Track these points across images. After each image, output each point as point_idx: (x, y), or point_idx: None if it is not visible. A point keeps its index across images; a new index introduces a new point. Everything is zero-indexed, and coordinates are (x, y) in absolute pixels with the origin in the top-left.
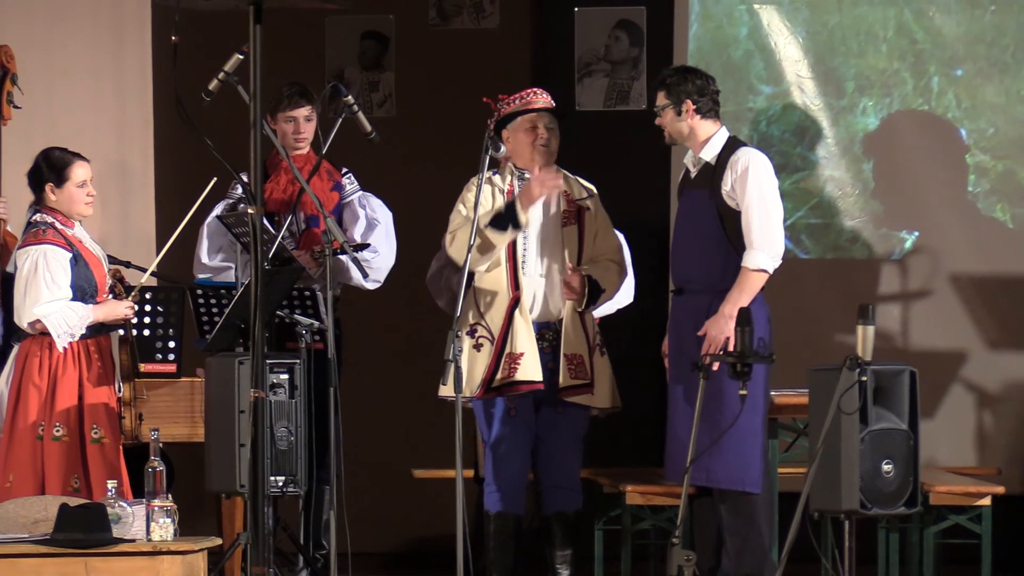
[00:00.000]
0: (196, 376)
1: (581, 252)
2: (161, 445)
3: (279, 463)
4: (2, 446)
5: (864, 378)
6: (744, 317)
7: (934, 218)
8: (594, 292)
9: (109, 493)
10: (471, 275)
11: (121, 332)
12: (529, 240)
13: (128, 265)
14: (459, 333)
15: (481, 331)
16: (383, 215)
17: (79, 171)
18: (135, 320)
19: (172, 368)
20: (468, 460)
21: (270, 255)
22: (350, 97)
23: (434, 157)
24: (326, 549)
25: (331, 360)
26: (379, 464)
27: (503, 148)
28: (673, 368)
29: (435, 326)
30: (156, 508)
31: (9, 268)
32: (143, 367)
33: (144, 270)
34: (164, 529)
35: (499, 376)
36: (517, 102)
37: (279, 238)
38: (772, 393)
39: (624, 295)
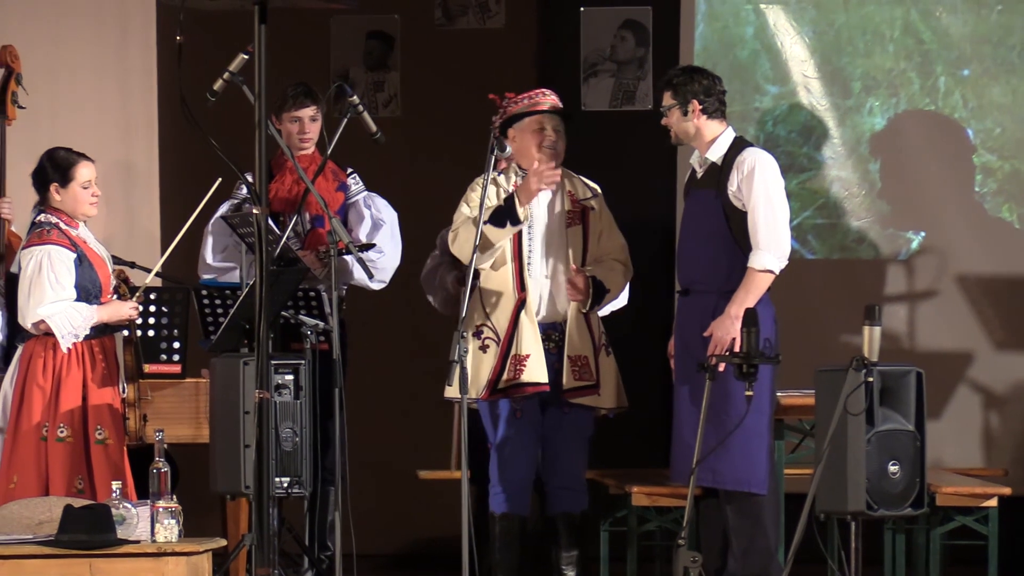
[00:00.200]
0: (201, 377)
1: (586, 252)
2: (166, 446)
3: (284, 464)
4: (6, 447)
5: (870, 379)
6: (750, 318)
7: (941, 218)
8: (599, 293)
9: (113, 494)
10: (476, 275)
11: (125, 333)
12: (534, 241)
13: (132, 266)
14: (464, 334)
15: (487, 332)
16: (388, 215)
17: (84, 171)
18: (139, 321)
19: (177, 369)
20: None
21: (275, 256)
22: (355, 97)
23: (439, 157)
24: (331, 550)
25: (336, 361)
26: (384, 465)
27: (509, 148)
28: (679, 369)
29: (440, 327)
30: (160, 509)
31: (13, 268)
32: (147, 368)
33: (149, 270)
34: (169, 530)
35: (505, 378)
36: (525, 102)
37: (284, 238)
38: (778, 394)
39: (619, 298)
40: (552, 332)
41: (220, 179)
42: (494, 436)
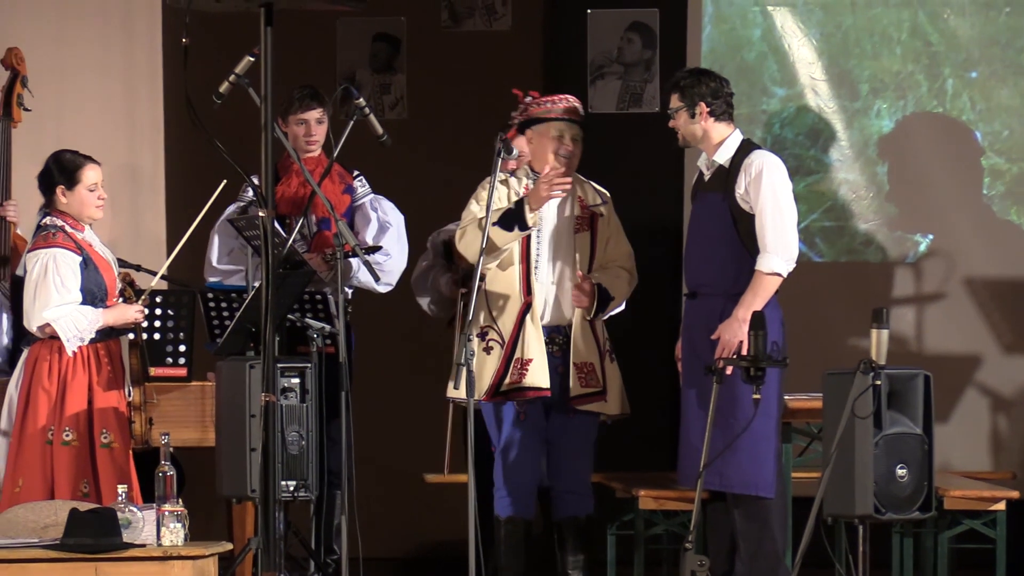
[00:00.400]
0: (207, 380)
1: (593, 258)
2: (171, 449)
3: (290, 467)
4: (11, 451)
5: (878, 382)
6: (758, 321)
7: (949, 221)
8: (603, 300)
9: (119, 498)
10: (482, 277)
11: (131, 336)
12: (541, 245)
13: (138, 268)
14: (470, 336)
15: (492, 334)
16: (395, 218)
17: (90, 174)
18: (145, 324)
19: (183, 372)
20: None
21: (281, 258)
22: (362, 99)
23: (446, 159)
24: (337, 554)
25: (342, 364)
26: (391, 468)
27: (515, 151)
28: (686, 372)
29: (447, 330)
30: (166, 513)
31: (19, 271)
32: (153, 371)
33: (154, 273)
34: (175, 534)
35: (508, 380)
36: (548, 105)
37: (290, 241)
38: (786, 397)
39: None
40: (556, 336)
41: (225, 181)
42: (497, 439)
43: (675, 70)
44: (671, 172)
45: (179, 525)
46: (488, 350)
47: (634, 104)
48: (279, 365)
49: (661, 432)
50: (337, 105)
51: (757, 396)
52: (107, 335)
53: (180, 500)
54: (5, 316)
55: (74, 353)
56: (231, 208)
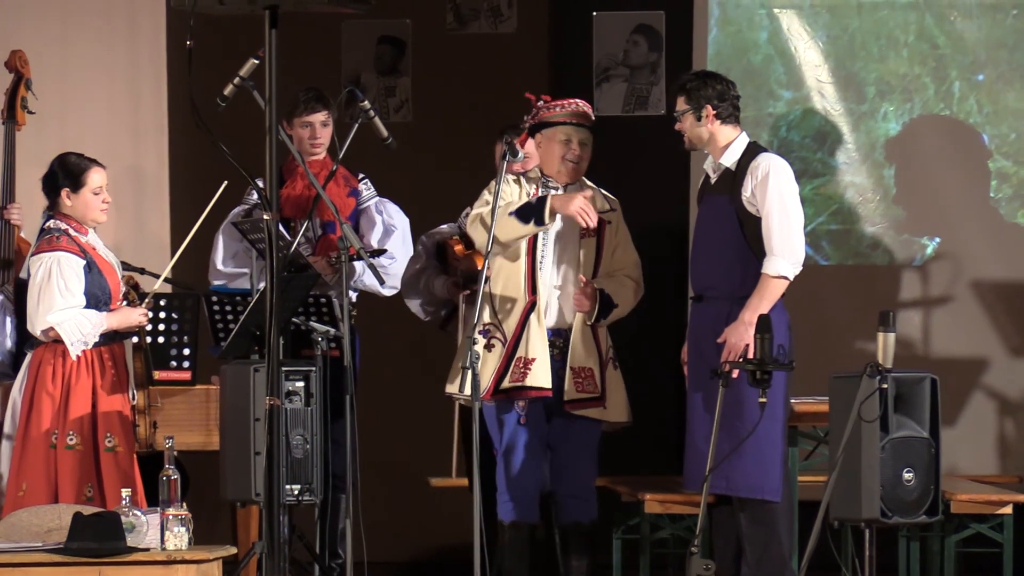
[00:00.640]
0: (211, 384)
1: (598, 265)
2: (175, 453)
3: (294, 471)
4: (15, 454)
5: (885, 385)
6: (764, 324)
7: (956, 224)
8: (606, 306)
9: (123, 502)
10: (487, 279)
11: (135, 339)
12: (547, 248)
13: (142, 272)
14: (474, 339)
15: (495, 332)
16: (400, 221)
17: (95, 177)
18: (149, 327)
19: (187, 376)
20: (463, 467)
21: (286, 262)
22: (367, 102)
23: (451, 163)
24: (342, 558)
25: (347, 367)
26: (396, 472)
27: (521, 154)
28: (692, 375)
29: (440, 331)
30: (170, 517)
31: (22, 275)
32: (157, 375)
33: (158, 276)
34: (179, 538)
35: (509, 380)
36: (558, 110)
37: (295, 244)
38: (792, 401)
39: None
40: (557, 339)
41: (226, 183)
42: (499, 442)
43: (681, 73)
44: (677, 175)
45: (183, 529)
46: (490, 347)
47: (640, 107)
48: (283, 368)
49: (667, 436)
50: (342, 108)
51: (763, 399)
52: (111, 339)
53: (184, 504)
54: (9, 319)
55: (78, 357)
56: (236, 211)
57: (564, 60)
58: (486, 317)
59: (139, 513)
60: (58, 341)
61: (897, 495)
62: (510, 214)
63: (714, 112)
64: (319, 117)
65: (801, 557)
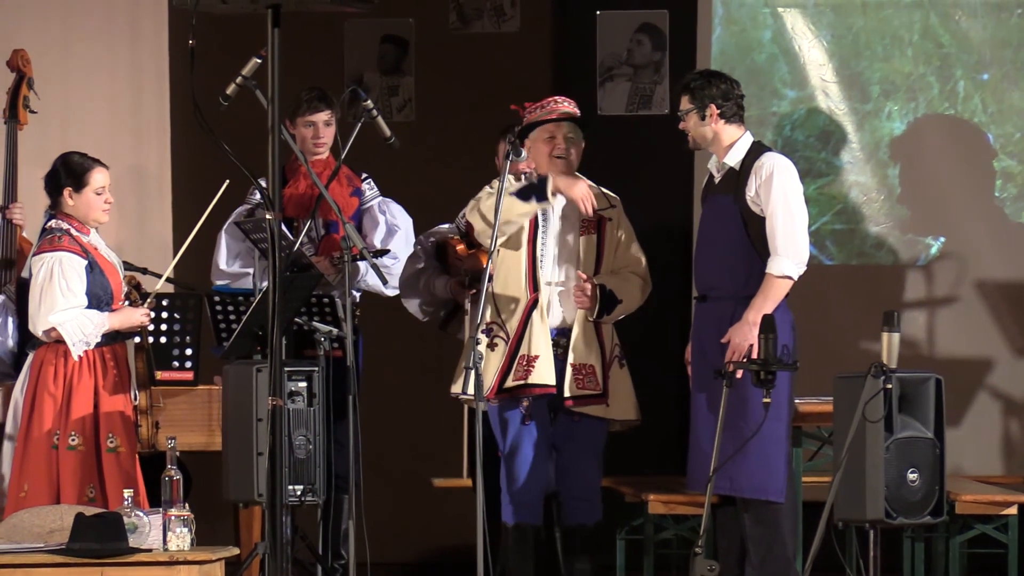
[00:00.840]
0: (213, 384)
1: (600, 262)
2: (178, 454)
3: (297, 472)
4: (17, 455)
5: (889, 386)
6: (768, 324)
7: (960, 224)
8: (608, 302)
9: (125, 502)
10: (490, 277)
11: (137, 339)
12: (547, 246)
13: (144, 271)
14: (478, 339)
15: (497, 330)
16: (403, 221)
17: (98, 177)
18: (151, 327)
19: (189, 376)
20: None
21: (288, 261)
22: (369, 102)
23: (454, 162)
24: (345, 559)
25: (350, 368)
26: (399, 473)
27: (524, 154)
28: (696, 376)
29: (448, 332)
30: (173, 517)
31: (24, 274)
32: (159, 375)
33: (160, 276)
34: (181, 539)
35: (513, 378)
36: (538, 111)
37: (297, 244)
38: (796, 401)
39: None
40: (560, 338)
41: (228, 181)
42: (503, 443)
43: (685, 72)
44: (681, 175)
45: (185, 530)
46: (493, 346)
47: (643, 106)
48: (286, 369)
49: (671, 436)
50: (345, 107)
51: (767, 400)
52: (113, 339)
53: (186, 504)
54: (10, 320)
55: (80, 357)
56: (239, 210)
57: (567, 59)
58: (488, 316)
59: (141, 514)
60: (60, 341)
61: (901, 496)
62: (511, 194)
63: (718, 111)
64: (322, 116)
65: (805, 558)
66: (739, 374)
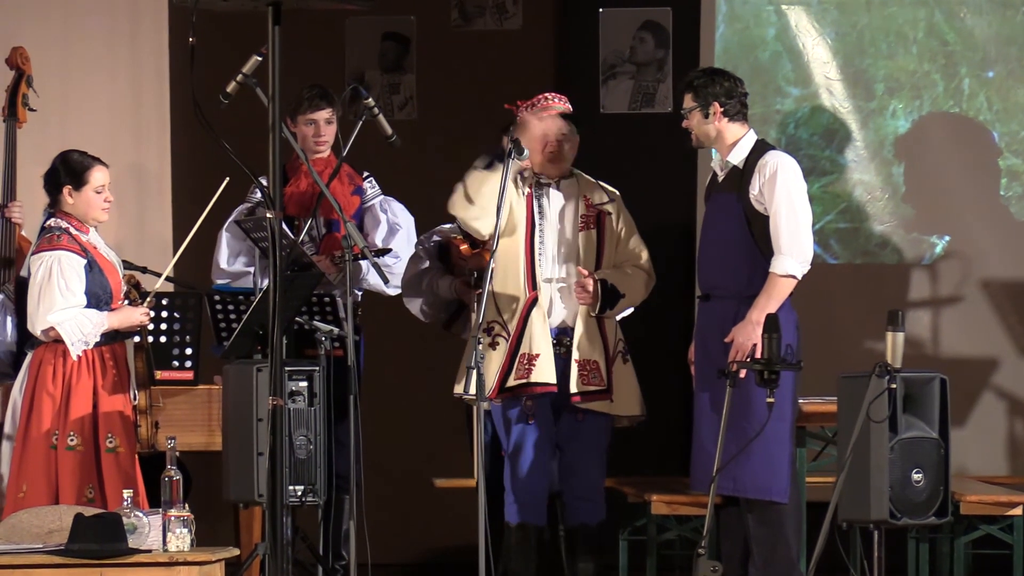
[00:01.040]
0: (213, 384)
1: (600, 257)
2: (178, 454)
3: (298, 472)
4: (15, 455)
5: (894, 385)
6: (772, 323)
7: (965, 223)
8: (611, 297)
9: (124, 503)
10: (492, 276)
11: (136, 339)
12: (545, 245)
13: (144, 271)
14: (480, 338)
15: (498, 329)
16: (405, 220)
17: (98, 175)
18: (151, 327)
19: (189, 375)
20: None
21: (289, 260)
22: (371, 100)
23: (456, 161)
24: (346, 559)
25: (351, 367)
26: (400, 473)
27: (527, 152)
28: (699, 376)
29: (452, 332)
30: (172, 518)
31: (23, 273)
32: (159, 374)
33: (160, 275)
34: (181, 539)
35: (514, 377)
36: (531, 108)
37: (298, 243)
38: (800, 401)
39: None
40: (564, 337)
41: (228, 179)
42: (507, 443)
43: (688, 70)
44: (684, 173)
45: (185, 530)
46: (494, 345)
47: (646, 104)
48: (287, 368)
49: (674, 436)
50: (346, 105)
51: (771, 400)
52: (112, 338)
53: (186, 505)
54: (9, 319)
55: (79, 357)
56: (240, 209)
57: (570, 57)
58: (490, 315)
59: (141, 514)
60: (59, 341)
61: (906, 496)
62: (481, 168)
63: (721, 110)
64: (323, 115)
65: (809, 559)
66: (743, 374)
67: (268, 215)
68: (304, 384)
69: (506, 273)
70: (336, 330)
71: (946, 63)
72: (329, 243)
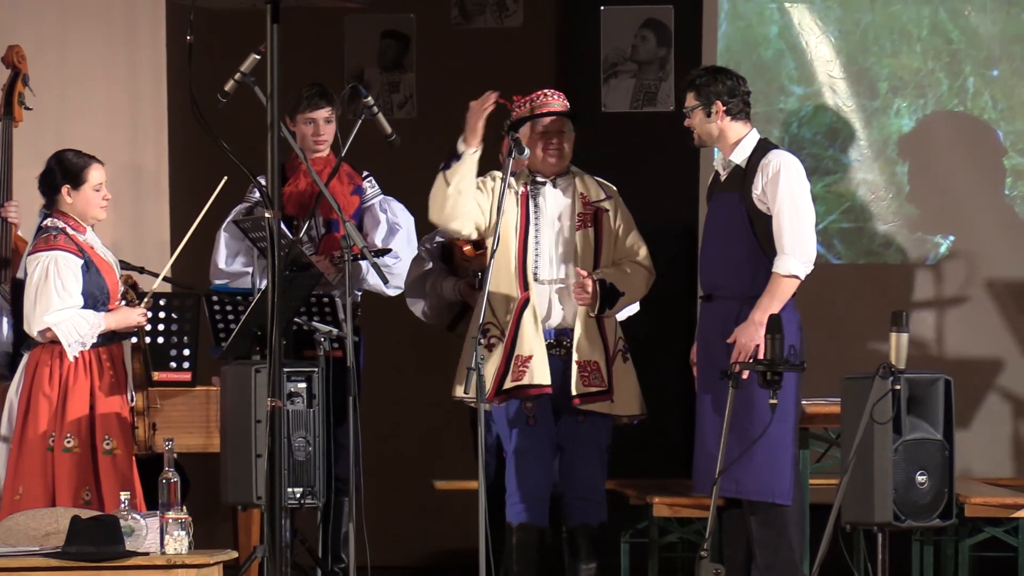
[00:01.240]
0: (211, 385)
1: (599, 255)
2: (175, 455)
3: (297, 474)
4: (12, 457)
5: (898, 387)
6: (775, 324)
7: (970, 222)
8: (610, 296)
9: (122, 505)
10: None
11: (134, 340)
12: (541, 244)
13: (141, 271)
14: (479, 339)
15: (493, 330)
16: (404, 219)
17: (95, 174)
18: (148, 327)
19: (187, 377)
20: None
21: (288, 260)
22: (370, 98)
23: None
24: (345, 562)
25: (350, 368)
26: (399, 475)
27: (527, 151)
28: (701, 377)
29: (456, 333)
30: (170, 520)
31: (19, 274)
32: (157, 376)
33: (157, 275)
34: (178, 542)
35: (510, 380)
36: (527, 105)
37: (297, 243)
38: (803, 402)
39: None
40: (563, 338)
41: (225, 178)
42: (508, 444)
43: (690, 68)
44: (686, 172)
45: (183, 533)
46: (490, 347)
47: (648, 103)
48: (285, 369)
49: (676, 438)
50: (345, 104)
51: (774, 401)
52: (109, 339)
53: (184, 507)
54: (5, 320)
55: (75, 358)
56: (238, 208)
57: (571, 55)
58: (484, 315)
59: (138, 517)
60: (55, 342)
61: (910, 498)
62: (439, 175)
63: (724, 108)
64: (322, 113)
65: (812, 562)
66: (745, 375)
67: (267, 215)
68: (303, 385)
69: (501, 274)
70: (335, 331)
71: (950, 61)
72: (328, 243)
